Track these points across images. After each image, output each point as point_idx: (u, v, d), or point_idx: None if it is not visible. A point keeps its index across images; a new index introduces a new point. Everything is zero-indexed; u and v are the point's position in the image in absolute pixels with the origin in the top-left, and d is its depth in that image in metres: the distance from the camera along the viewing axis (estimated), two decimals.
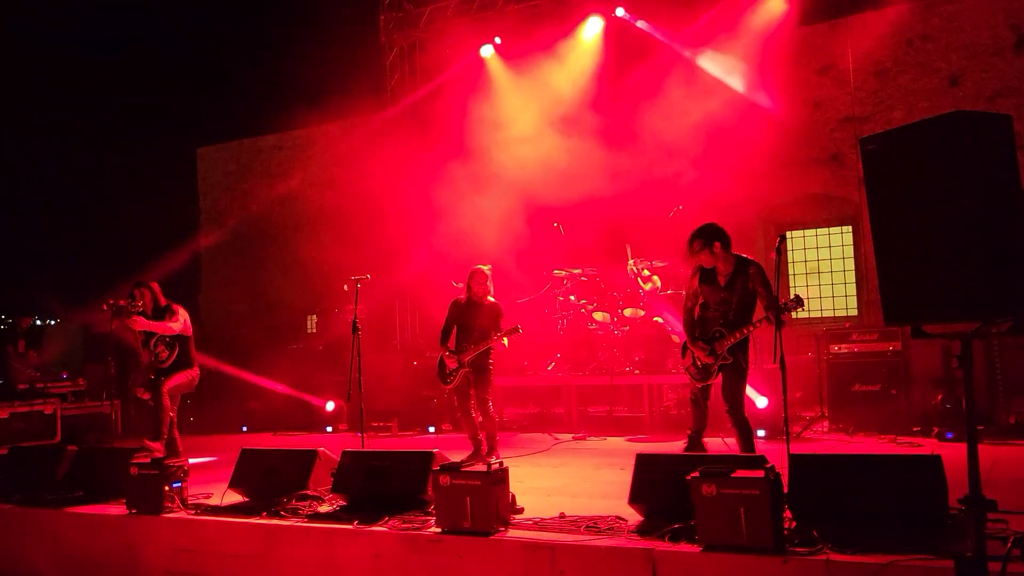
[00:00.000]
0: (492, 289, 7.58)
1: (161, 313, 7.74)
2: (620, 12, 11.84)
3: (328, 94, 14.76)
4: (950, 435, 7.32)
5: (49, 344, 12.92)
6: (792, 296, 5.83)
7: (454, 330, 7.52)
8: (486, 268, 7.60)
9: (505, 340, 7.23)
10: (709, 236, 6.09)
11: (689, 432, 6.40)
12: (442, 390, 9.43)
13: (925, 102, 11.27)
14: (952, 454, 4.43)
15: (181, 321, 7.74)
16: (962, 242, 3.18)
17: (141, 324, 7.60)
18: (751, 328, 5.94)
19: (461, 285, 7.78)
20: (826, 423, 8.32)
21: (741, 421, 5.96)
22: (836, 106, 11.90)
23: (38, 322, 15.91)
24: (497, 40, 12.71)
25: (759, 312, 6.03)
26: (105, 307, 7.55)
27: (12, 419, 10.10)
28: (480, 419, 7.43)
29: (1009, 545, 3.57)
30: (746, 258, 6.17)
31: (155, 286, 7.84)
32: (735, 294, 6.02)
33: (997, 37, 10.97)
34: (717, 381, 6.16)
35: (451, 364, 7.43)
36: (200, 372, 7.99)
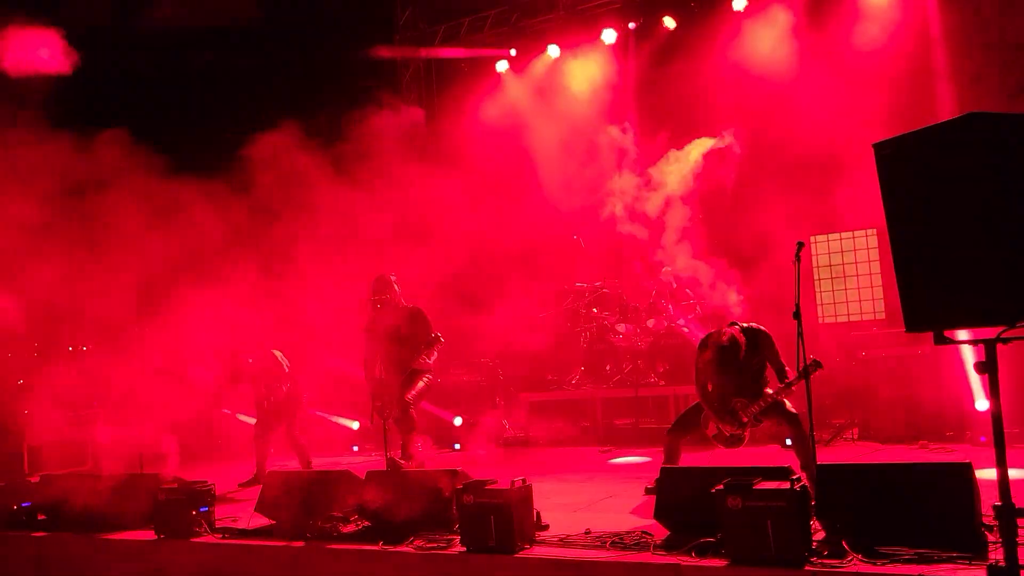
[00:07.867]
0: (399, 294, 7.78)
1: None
2: (632, 25, 11.82)
3: (344, 112, 14.83)
4: (983, 439, 7.16)
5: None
6: (810, 361, 5.47)
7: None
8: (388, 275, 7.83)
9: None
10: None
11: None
12: (467, 409, 9.43)
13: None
14: (987, 460, 4.32)
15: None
16: (982, 245, 3.12)
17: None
18: (770, 399, 5.74)
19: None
20: (856, 430, 8.18)
21: (805, 442, 5.60)
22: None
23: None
24: (512, 52, 12.68)
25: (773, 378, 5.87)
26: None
27: (46, 446, 10.22)
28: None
29: None
30: (754, 328, 6.03)
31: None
32: (749, 364, 5.90)
33: None
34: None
35: None
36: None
